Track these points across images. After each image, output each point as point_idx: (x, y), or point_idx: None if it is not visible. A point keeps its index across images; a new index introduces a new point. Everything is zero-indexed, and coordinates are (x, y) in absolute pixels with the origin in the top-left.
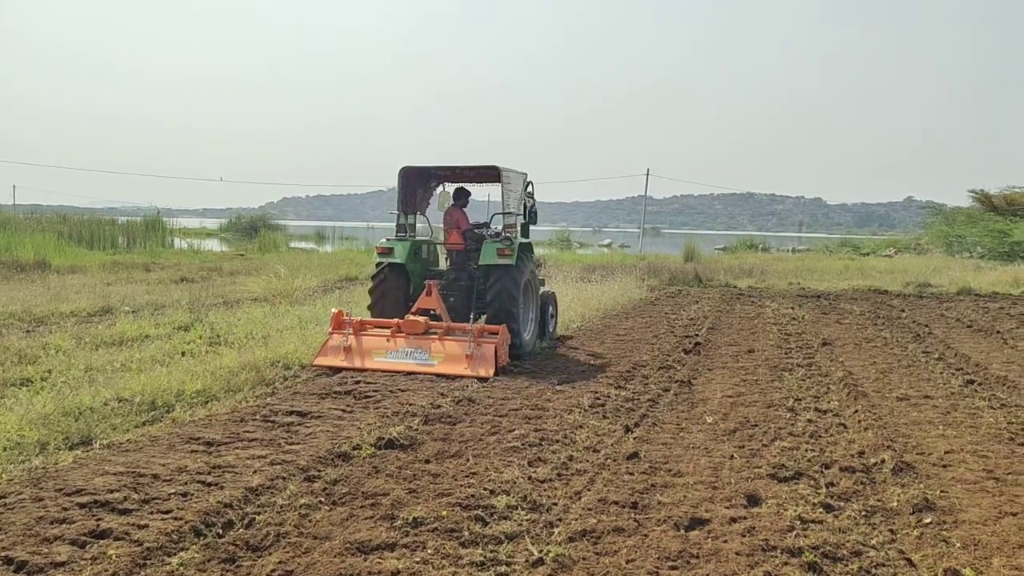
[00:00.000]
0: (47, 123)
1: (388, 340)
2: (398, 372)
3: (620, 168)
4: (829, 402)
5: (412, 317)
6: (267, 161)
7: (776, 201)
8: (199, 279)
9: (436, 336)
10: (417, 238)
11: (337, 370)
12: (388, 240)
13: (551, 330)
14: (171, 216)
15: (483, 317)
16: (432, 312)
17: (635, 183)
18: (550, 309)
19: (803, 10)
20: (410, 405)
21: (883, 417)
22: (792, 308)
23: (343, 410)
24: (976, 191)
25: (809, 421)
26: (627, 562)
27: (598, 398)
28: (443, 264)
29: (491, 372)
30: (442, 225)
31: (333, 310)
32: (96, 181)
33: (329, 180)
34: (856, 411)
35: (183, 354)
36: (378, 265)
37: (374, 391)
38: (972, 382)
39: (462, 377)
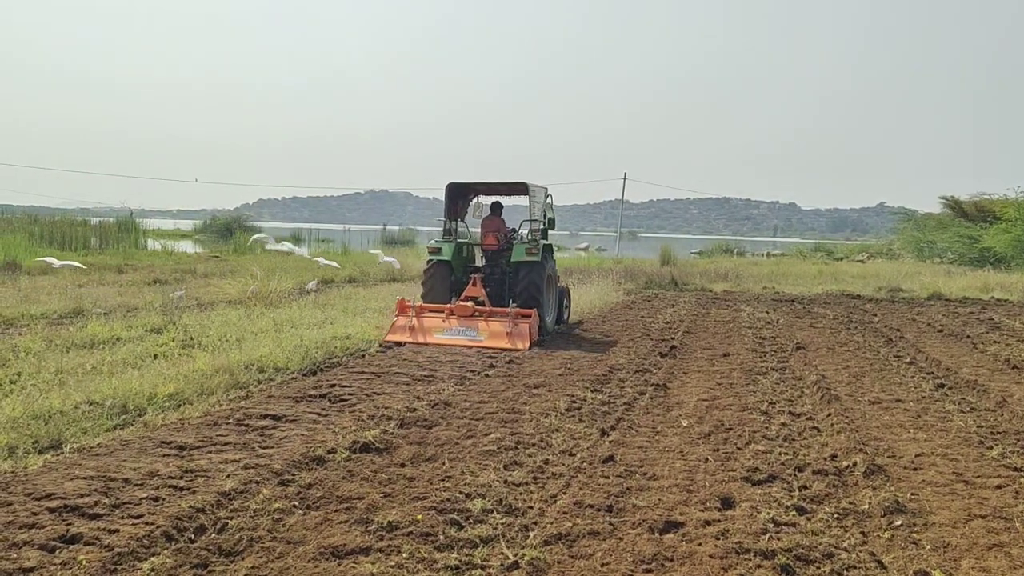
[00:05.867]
0: (22, 129)
1: (443, 321)
2: (454, 345)
3: (598, 172)
4: (803, 406)
5: (461, 303)
6: (244, 165)
7: (751, 206)
8: (173, 281)
9: (482, 318)
10: (459, 240)
11: (403, 344)
12: (436, 241)
13: (566, 318)
14: (144, 217)
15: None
16: (477, 299)
17: (612, 187)
18: (564, 300)
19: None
20: (385, 409)
21: (855, 420)
22: (767, 312)
23: (318, 414)
24: (947, 197)
25: (783, 424)
26: (602, 565)
27: (574, 401)
28: (479, 261)
29: (527, 345)
30: (480, 229)
31: (398, 298)
32: (68, 181)
33: (305, 182)
34: (829, 415)
35: (155, 357)
36: (429, 261)
37: (349, 394)
38: (942, 386)
39: (504, 349)
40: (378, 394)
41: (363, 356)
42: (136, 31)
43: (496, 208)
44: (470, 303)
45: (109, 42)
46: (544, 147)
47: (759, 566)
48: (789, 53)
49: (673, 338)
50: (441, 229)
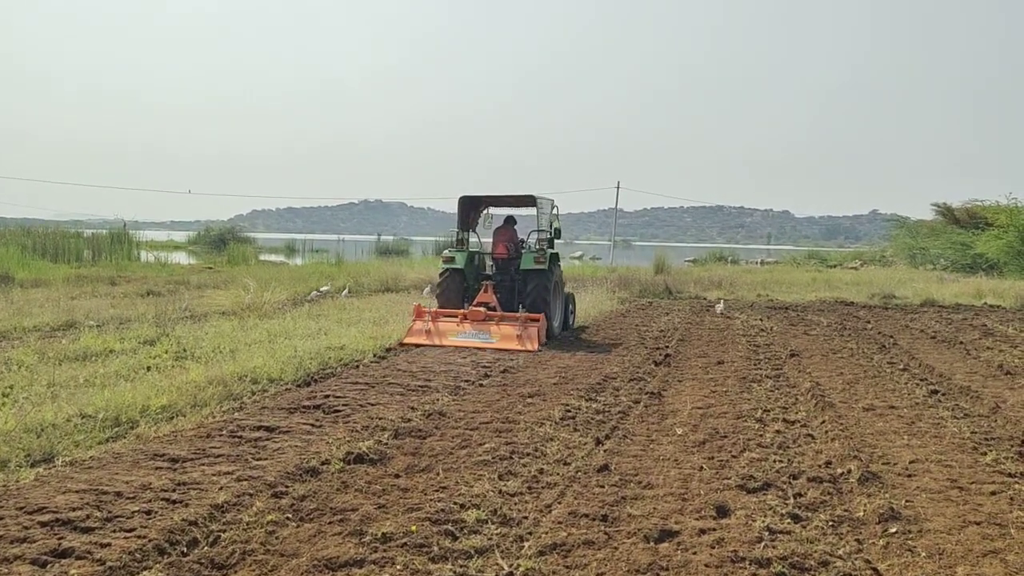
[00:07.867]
0: (15, 141)
1: (458, 324)
2: (468, 347)
3: (591, 180)
4: (797, 413)
5: (474, 308)
6: (238, 176)
7: (745, 214)
8: (166, 292)
9: (494, 322)
10: (471, 250)
11: (421, 346)
12: (450, 251)
13: (571, 323)
14: (138, 229)
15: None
16: (488, 305)
17: (606, 195)
18: (569, 306)
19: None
20: (380, 419)
21: (850, 427)
22: (761, 320)
23: (312, 425)
24: (939, 204)
25: (777, 432)
26: (597, 575)
27: (569, 410)
28: (489, 269)
29: (536, 346)
30: (491, 239)
31: (414, 303)
32: (61, 193)
33: (299, 193)
34: (823, 422)
35: (148, 369)
36: (443, 270)
37: (343, 405)
38: (936, 392)
39: (515, 351)
40: (372, 404)
41: (357, 366)
42: (129, 42)
43: (510, 221)
44: (482, 308)
45: (102, 53)
46: (538, 155)
47: (754, 574)
48: (783, 60)
49: (667, 346)
50: (441, 240)
